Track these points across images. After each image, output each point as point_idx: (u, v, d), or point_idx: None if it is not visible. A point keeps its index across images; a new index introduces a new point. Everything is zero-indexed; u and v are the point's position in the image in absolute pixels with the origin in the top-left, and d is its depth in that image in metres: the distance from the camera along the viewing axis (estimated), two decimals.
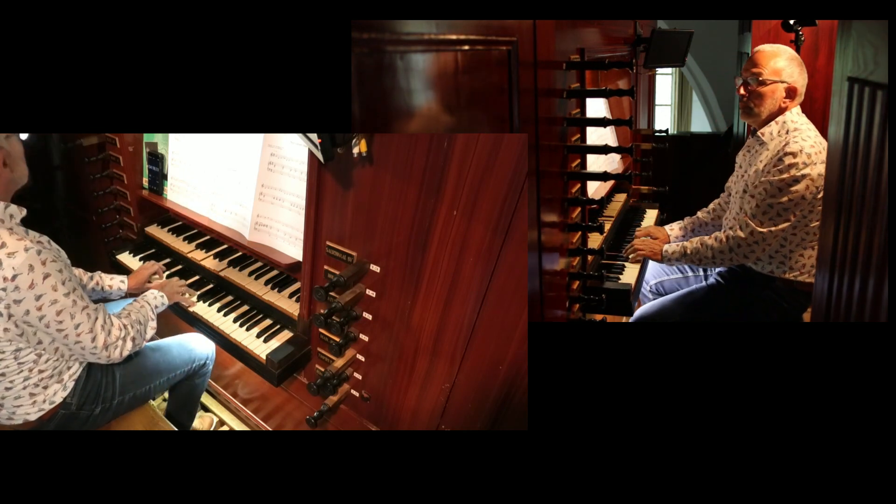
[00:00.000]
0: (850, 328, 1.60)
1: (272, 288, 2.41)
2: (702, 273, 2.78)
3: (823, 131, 2.09)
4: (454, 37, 1.46)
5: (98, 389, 2.10)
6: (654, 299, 2.80)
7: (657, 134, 3.44)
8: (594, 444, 1.63)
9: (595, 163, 2.28)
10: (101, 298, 2.33)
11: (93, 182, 2.75)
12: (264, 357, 2.26)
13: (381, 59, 1.21)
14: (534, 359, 1.66)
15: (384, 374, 2.15)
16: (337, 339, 2.13)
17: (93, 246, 2.78)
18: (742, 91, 2.49)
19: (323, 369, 2.21)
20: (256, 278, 2.45)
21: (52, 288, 1.79)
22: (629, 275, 2.57)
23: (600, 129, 2.46)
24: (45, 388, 1.97)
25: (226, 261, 2.54)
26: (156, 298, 2.25)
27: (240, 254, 2.54)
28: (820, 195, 2.26)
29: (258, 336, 2.34)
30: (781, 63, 2.41)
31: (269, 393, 2.57)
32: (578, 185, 2.31)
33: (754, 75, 2.44)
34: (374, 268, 1.97)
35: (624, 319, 2.56)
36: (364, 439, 1.77)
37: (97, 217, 2.78)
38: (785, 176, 2.30)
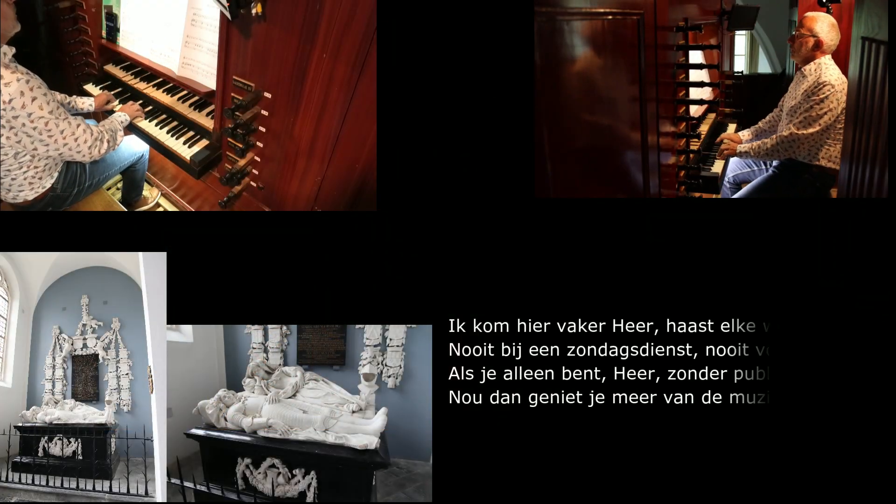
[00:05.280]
0: (862, 203, 2.11)
1: (195, 109, 2.68)
2: (763, 167, 3.45)
3: (845, 72, 2.62)
4: (602, 10, 1.96)
5: (75, 178, 2.47)
6: (732, 188, 3.52)
7: (735, 73, 4.24)
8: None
9: (694, 93, 2.90)
10: (75, 114, 2.59)
11: (67, 34, 3.01)
12: (189, 158, 2.56)
13: (553, 26, 1.80)
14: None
15: (274, 170, 2.36)
16: (240, 146, 2.35)
17: (66, 79, 3.06)
18: (791, 39, 3.15)
19: (230, 167, 2.43)
20: (183, 102, 2.73)
21: (38, 107, 2.13)
22: (717, 167, 3.27)
23: (698, 71, 3.06)
24: (40, 178, 2.36)
25: (162, 90, 2.82)
26: (121, 116, 2.63)
27: (171, 84, 2.81)
28: (841, 111, 2.91)
29: (185, 143, 2.63)
30: (816, 24, 3.04)
31: (192, 184, 2.82)
32: (684, 108, 2.84)
33: (799, 31, 3.07)
34: (267, 95, 2.19)
35: (714, 196, 3.21)
36: (260, 217, 2.20)
37: (69, 58, 3.05)
38: (820, 96, 2.98)
